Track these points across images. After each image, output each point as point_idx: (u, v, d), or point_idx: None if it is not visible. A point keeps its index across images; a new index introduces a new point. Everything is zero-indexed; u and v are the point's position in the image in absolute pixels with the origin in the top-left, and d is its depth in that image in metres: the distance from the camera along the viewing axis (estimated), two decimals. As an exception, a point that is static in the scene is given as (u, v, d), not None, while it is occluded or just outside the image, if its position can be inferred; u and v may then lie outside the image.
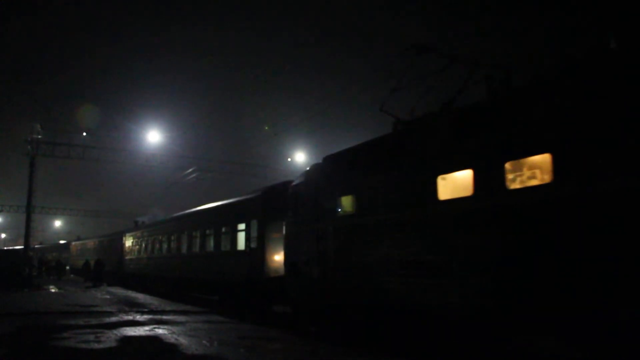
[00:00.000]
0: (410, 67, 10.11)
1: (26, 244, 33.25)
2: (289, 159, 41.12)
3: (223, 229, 18.45)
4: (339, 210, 10.09)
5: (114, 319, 13.22)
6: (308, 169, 12.11)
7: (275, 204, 14.81)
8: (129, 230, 34.41)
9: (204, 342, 9.48)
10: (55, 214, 70.72)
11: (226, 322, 13.05)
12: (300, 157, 40.78)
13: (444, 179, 7.62)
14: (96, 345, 8.92)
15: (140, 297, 22.09)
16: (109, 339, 9.70)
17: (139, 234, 31.21)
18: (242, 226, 16.71)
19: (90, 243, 45.80)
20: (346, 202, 9.95)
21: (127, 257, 32.90)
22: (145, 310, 15.89)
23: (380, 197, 8.86)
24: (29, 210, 32.32)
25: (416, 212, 7.98)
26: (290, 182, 13.99)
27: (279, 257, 14.32)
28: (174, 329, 11.32)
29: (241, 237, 16.71)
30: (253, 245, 15.64)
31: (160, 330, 11.01)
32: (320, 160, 11.58)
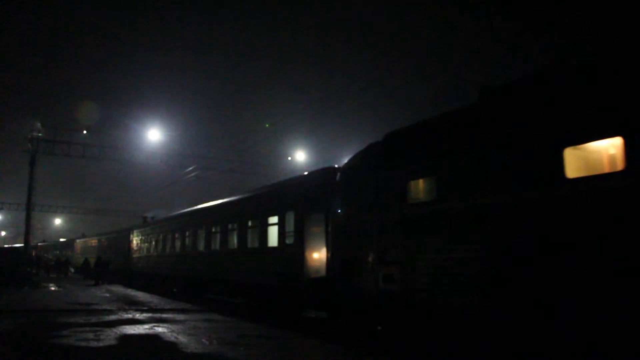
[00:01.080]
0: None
1: (26, 242, 33.28)
2: (289, 158, 41.15)
3: (249, 223, 16.52)
4: (410, 196, 8.37)
5: (113, 317, 13.23)
6: (363, 149, 10.20)
7: (314, 194, 13.02)
8: (136, 227, 32.91)
9: (203, 340, 9.49)
10: (56, 212, 70.88)
11: (226, 320, 13.05)
12: (300, 156, 40.82)
13: (577, 150, 6.05)
14: (95, 344, 8.93)
15: (140, 295, 22.10)
16: (109, 337, 9.71)
17: (148, 231, 29.50)
18: (273, 219, 14.75)
19: (95, 240, 44.87)
20: (421, 186, 8.35)
21: (135, 255, 31.51)
22: (145, 308, 15.90)
23: (480, 177, 7.06)
24: (29, 208, 32.34)
25: (536, 194, 6.25)
26: (332, 168, 13.05)
27: (319, 255, 12.87)
28: (174, 327, 11.33)
29: (273, 232, 14.78)
30: (289, 240, 13.74)
31: (160, 329, 11.01)
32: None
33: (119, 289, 26.17)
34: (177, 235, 23.93)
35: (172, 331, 10.66)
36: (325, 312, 12.56)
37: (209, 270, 19.40)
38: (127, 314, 14.11)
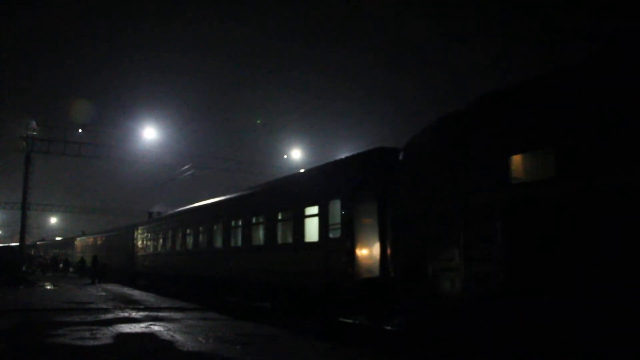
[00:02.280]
0: None
1: (21, 241, 33.17)
2: (285, 156, 41.19)
3: (279, 216, 14.48)
4: (514, 175, 6.66)
5: (109, 315, 13.21)
6: (438, 120, 8.49)
7: (365, 178, 11.10)
8: (141, 223, 31.10)
9: (199, 339, 9.49)
10: (51, 211, 70.61)
11: (222, 319, 13.05)
12: (296, 154, 40.87)
13: None
14: (92, 342, 8.92)
15: (137, 293, 22.06)
16: (105, 335, 9.70)
17: (154, 227, 27.55)
18: (312, 210, 12.70)
19: (96, 238, 43.53)
20: (532, 162, 6.67)
21: (140, 254, 29.79)
22: (141, 307, 15.88)
23: None
24: (25, 207, 32.24)
25: None
26: (384, 148, 11.04)
27: (370, 251, 11.07)
28: (170, 325, 11.32)
29: (311, 225, 12.79)
30: (333, 234, 11.77)
31: (156, 327, 11.01)
32: None
33: (116, 288, 26.11)
34: (188, 231, 21.92)
35: (169, 330, 10.65)
36: (373, 319, 10.89)
37: (227, 269, 17.33)
38: (123, 312, 14.09)
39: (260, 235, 15.56)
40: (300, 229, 13.14)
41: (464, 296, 7.08)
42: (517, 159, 6.70)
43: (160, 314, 13.94)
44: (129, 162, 38.28)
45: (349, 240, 11.10)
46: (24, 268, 32.76)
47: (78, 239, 52.23)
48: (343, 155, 14.41)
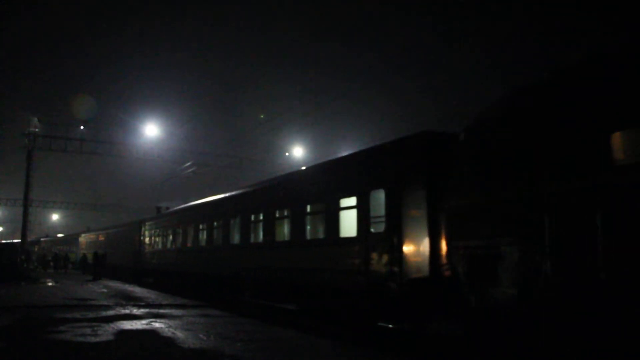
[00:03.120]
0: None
1: (23, 237, 33.25)
2: (287, 154, 41.17)
3: (308, 209, 13.23)
4: (618, 156, 5.42)
5: (111, 312, 13.22)
6: (509, 94, 7.59)
7: (412, 164, 9.81)
8: (149, 219, 29.98)
9: (200, 335, 9.49)
10: (53, 208, 70.78)
11: (224, 316, 13.06)
12: (297, 152, 40.85)
13: None
14: (93, 339, 8.92)
15: (138, 290, 22.10)
16: (106, 332, 9.70)
17: (164, 222, 26.27)
18: (349, 201, 11.46)
19: (102, 235, 42.71)
20: None
21: (147, 250, 28.67)
22: (142, 304, 15.89)
23: None
24: (26, 204, 32.31)
25: None
26: (433, 132, 9.85)
27: (418, 248, 9.56)
28: (171, 322, 11.33)
29: (348, 218, 11.54)
30: (376, 228, 10.54)
31: (157, 324, 11.01)
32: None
33: (117, 285, 26.15)
34: (201, 227, 20.63)
35: (170, 326, 10.66)
36: (421, 324, 9.77)
37: (247, 267, 16.10)
38: (124, 309, 14.11)
39: (285, 230, 14.32)
40: (334, 223, 11.87)
41: (549, 302, 6.02)
42: (623, 136, 5.48)
43: (162, 310, 13.95)
44: (130, 159, 38.36)
45: (396, 235, 9.78)
46: (24, 264, 32.77)
47: (82, 235, 51.55)
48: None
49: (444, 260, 8.56)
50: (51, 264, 44.60)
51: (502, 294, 6.79)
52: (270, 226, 15.01)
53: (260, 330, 10.56)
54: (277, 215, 14.73)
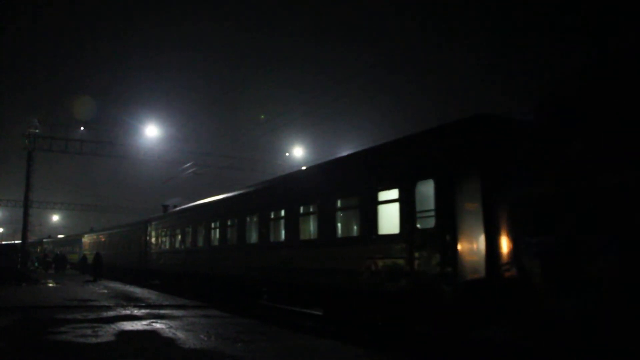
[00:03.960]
0: None
1: (24, 238, 33.26)
2: (287, 154, 41.20)
3: (339, 204, 12.04)
4: None
5: (111, 313, 13.22)
6: (595, 62, 6.79)
7: (466, 151, 8.79)
8: (156, 218, 28.51)
9: (201, 336, 9.49)
10: (53, 209, 70.84)
11: (224, 316, 13.06)
12: (298, 152, 40.88)
13: None
14: (93, 340, 8.92)
15: (138, 291, 22.09)
16: (107, 333, 9.70)
17: (172, 221, 24.99)
18: (389, 194, 10.32)
19: (106, 235, 41.42)
20: None
21: (154, 251, 27.35)
22: (143, 304, 15.89)
23: None
24: (27, 205, 32.32)
25: None
26: (489, 116, 8.91)
27: (472, 245, 8.67)
28: (172, 323, 11.33)
29: (388, 213, 10.36)
30: (423, 224, 9.43)
31: (158, 325, 11.01)
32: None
33: (117, 286, 26.14)
34: (213, 225, 19.45)
35: (170, 327, 10.66)
36: (476, 330, 9.00)
37: (265, 269, 14.90)
38: (125, 310, 14.10)
39: (310, 228, 13.21)
40: (371, 219, 10.68)
41: None
42: None
43: (162, 311, 13.95)
44: (130, 160, 38.38)
45: (449, 232, 8.69)
46: (19, 265, 32.72)
47: (86, 235, 50.43)
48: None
49: (503, 258, 7.76)
50: (52, 265, 44.59)
51: (597, 297, 5.79)
52: (293, 224, 13.77)
53: (261, 331, 10.56)
54: (301, 211, 13.52)
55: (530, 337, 7.39)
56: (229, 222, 18.03)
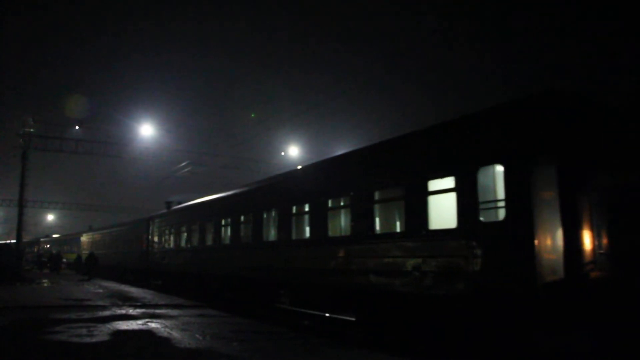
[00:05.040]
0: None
1: (18, 238, 33.10)
2: (282, 153, 41.20)
3: (377, 196, 10.77)
4: None
5: (107, 312, 13.18)
6: None
7: (539, 131, 7.64)
8: (159, 215, 27.13)
9: (196, 336, 9.48)
10: (48, 208, 70.52)
11: (220, 316, 13.05)
12: (293, 151, 40.88)
13: None
14: (89, 340, 8.90)
15: (134, 290, 22.03)
16: (102, 333, 9.68)
17: (176, 218, 23.78)
18: (442, 183, 9.14)
19: (105, 234, 40.38)
20: None
21: (156, 250, 26.22)
22: (139, 304, 15.85)
23: None
24: (21, 204, 32.16)
25: None
26: (564, 92, 7.88)
27: (549, 242, 7.45)
28: (167, 322, 11.31)
29: (441, 205, 9.20)
30: (488, 217, 8.24)
31: (153, 324, 10.99)
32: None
33: (113, 285, 26.07)
34: (224, 222, 18.19)
35: (166, 327, 10.64)
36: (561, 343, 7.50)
37: (285, 269, 13.56)
38: (120, 309, 14.07)
39: (342, 223, 12.14)
40: (418, 212, 9.42)
41: None
42: None
43: (158, 311, 13.92)
44: (126, 159, 38.26)
45: (523, 225, 7.46)
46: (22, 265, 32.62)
47: (84, 234, 49.52)
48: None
49: (587, 256, 6.92)
50: (48, 264, 44.42)
51: None
52: (319, 219, 12.42)
53: (257, 330, 10.56)
54: (330, 205, 12.24)
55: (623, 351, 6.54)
56: (242, 219, 16.74)
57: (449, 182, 8.94)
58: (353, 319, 11.75)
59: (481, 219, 8.20)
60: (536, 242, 7.31)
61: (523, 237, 7.43)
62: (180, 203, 26.16)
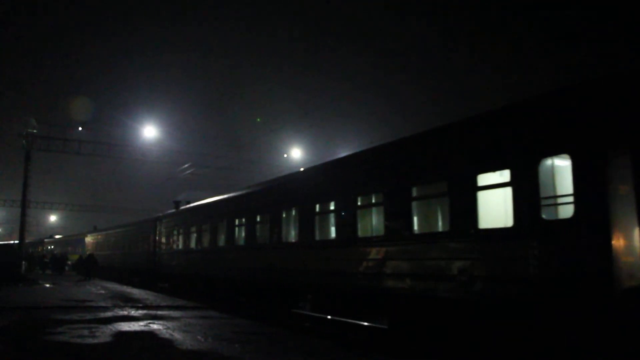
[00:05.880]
0: None
1: (21, 238, 33.18)
2: (285, 155, 41.21)
3: (415, 192, 9.90)
4: None
5: (108, 314, 13.19)
6: None
7: (612, 118, 6.87)
8: (167, 215, 26.23)
9: (198, 337, 9.48)
10: (51, 209, 70.67)
11: (221, 317, 13.05)
12: (296, 153, 40.90)
13: None
14: (91, 340, 8.91)
15: (136, 292, 22.04)
16: (104, 334, 9.69)
17: (186, 218, 22.89)
18: (495, 177, 8.37)
19: (110, 234, 39.22)
20: None
21: (164, 251, 25.26)
22: (140, 305, 15.86)
23: None
24: (24, 205, 32.24)
25: None
26: (635, 72, 7.09)
27: (625, 242, 6.68)
28: (169, 324, 11.31)
29: (492, 201, 8.55)
30: (551, 214, 7.43)
31: (155, 326, 10.99)
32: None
33: (115, 286, 26.09)
34: (238, 222, 17.35)
35: (168, 328, 10.64)
36: None
37: (307, 272, 12.81)
38: (122, 310, 14.08)
39: (373, 222, 11.39)
40: (466, 210, 8.58)
41: None
42: None
43: (159, 312, 13.93)
44: (129, 161, 38.35)
45: (598, 224, 6.70)
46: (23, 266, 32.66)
47: (89, 235, 48.25)
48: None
49: None
50: (50, 265, 44.45)
51: None
52: (347, 218, 11.59)
53: (259, 332, 10.55)
54: (359, 203, 11.43)
55: None
56: (258, 218, 15.90)
57: (502, 175, 8.17)
58: (385, 327, 10.85)
59: (543, 216, 7.37)
60: (613, 242, 6.52)
61: (597, 236, 6.66)
62: (189, 202, 25.48)
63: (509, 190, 7.93)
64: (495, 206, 8.46)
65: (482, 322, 8.19)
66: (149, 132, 35.96)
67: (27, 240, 45.93)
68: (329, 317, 13.82)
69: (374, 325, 12.08)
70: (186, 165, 38.02)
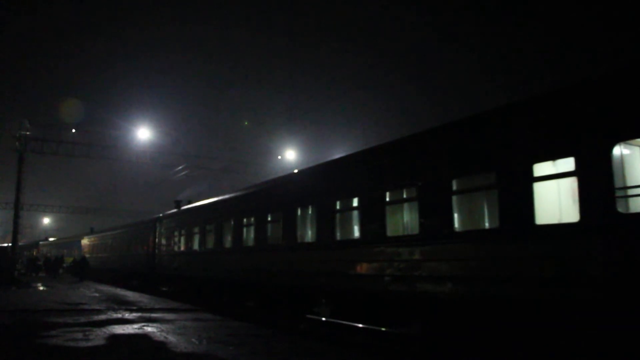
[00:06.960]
0: None
1: (14, 241, 33.00)
2: (279, 157, 41.23)
3: (455, 185, 8.96)
4: None
5: (102, 316, 13.14)
6: None
7: None
8: (167, 215, 25.25)
9: (193, 340, 9.46)
10: (44, 211, 70.35)
11: (216, 319, 13.02)
12: (290, 155, 40.94)
13: None
14: (84, 344, 8.87)
15: (130, 294, 21.96)
16: (98, 337, 9.65)
17: (188, 219, 21.92)
18: (555, 166, 7.65)
19: (107, 236, 38.13)
20: None
21: (164, 253, 24.51)
22: (134, 308, 15.81)
23: None
24: (17, 207, 32.08)
25: None
26: None
27: None
28: (163, 327, 11.28)
29: (550, 193, 7.81)
30: (626, 207, 6.77)
31: (149, 328, 10.97)
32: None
33: (108, 289, 25.98)
34: (246, 222, 16.46)
35: (162, 331, 10.62)
36: None
37: (323, 274, 12.12)
38: (116, 313, 14.03)
39: (404, 219, 10.54)
40: (521, 204, 7.64)
41: None
42: None
43: (154, 315, 13.89)
44: (123, 162, 38.27)
45: None
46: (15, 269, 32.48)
47: (85, 237, 47.60)
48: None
49: None
50: (43, 267, 44.23)
51: None
52: (376, 216, 10.65)
53: (253, 334, 10.54)
54: (387, 199, 10.52)
55: None
56: (270, 218, 15.06)
57: (565, 164, 7.25)
58: (418, 333, 9.87)
59: (619, 209, 6.54)
60: None
61: None
62: (190, 202, 24.68)
63: (573, 181, 7.08)
64: (555, 199, 7.68)
65: (541, 327, 7.37)
66: (143, 134, 35.94)
67: (20, 243, 45.66)
68: (341, 322, 12.60)
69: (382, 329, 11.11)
70: (180, 167, 37.97)
